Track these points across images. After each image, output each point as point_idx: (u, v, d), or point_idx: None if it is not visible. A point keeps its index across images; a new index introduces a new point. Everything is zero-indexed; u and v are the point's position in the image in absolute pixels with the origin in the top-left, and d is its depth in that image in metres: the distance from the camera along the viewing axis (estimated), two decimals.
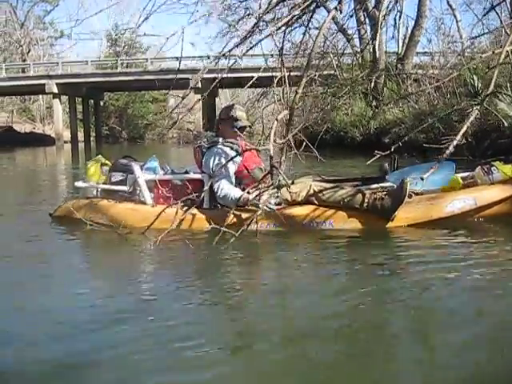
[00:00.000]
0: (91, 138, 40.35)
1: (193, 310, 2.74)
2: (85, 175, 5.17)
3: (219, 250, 3.70)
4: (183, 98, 5.36)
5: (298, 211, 4.38)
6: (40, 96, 44.47)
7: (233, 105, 4.85)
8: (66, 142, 34.72)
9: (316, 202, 4.41)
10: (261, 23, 4.77)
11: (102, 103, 45.45)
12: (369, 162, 4.22)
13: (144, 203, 4.69)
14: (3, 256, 3.82)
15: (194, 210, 4.38)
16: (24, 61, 42.13)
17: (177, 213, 4.25)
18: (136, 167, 4.72)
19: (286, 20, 4.39)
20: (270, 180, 4.18)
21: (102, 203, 4.79)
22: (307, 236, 4.22)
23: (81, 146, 33.88)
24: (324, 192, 4.40)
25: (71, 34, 47.75)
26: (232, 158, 4.38)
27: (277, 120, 4.08)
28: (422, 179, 4.04)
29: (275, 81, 4.52)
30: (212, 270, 3.43)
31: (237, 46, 4.67)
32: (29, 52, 46.05)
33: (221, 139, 4.58)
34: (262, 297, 2.95)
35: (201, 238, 4.15)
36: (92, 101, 42.70)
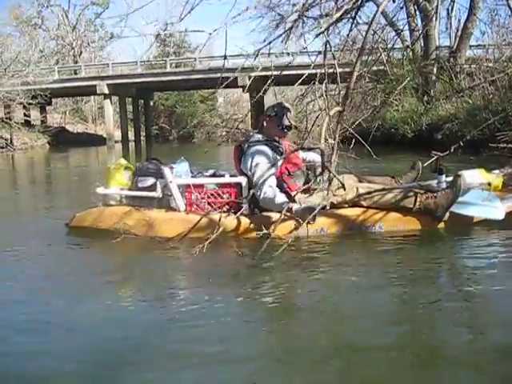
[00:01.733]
0: (141, 138, 40.87)
1: (237, 322, 2.64)
2: (107, 180, 4.73)
3: (266, 258, 3.49)
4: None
5: (346, 214, 4.18)
6: (92, 97, 45.29)
7: (280, 102, 4.60)
8: (116, 142, 35.24)
9: (364, 204, 4.21)
10: (304, 18, 4.63)
11: (151, 103, 45.97)
12: (426, 164, 4.06)
13: (176, 210, 4.35)
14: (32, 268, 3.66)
15: (235, 217, 4.08)
16: (76, 63, 42.97)
17: (219, 219, 3.89)
18: (167, 171, 4.37)
19: (338, 15, 4.25)
20: (322, 181, 4.04)
21: (128, 211, 4.42)
22: (357, 240, 4.02)
23: (131, 145, 34.37)
24: (372, 194, 4.20)
25: (121, 34, 48.18)
26: (276, 160, 4.18)
27: (329, 116, 3.94)
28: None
29: (317, 77, 4.37)
30: (260, 279, 3.26)
31: (282, 41, 4.54)
32: (80, 54, 46.94)
33: (261, 137, 4.37)
34: (311, 307, 2.80)
35: (244, 247, 3.90)
36: (142, 101, 43.25)
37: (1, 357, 2.32)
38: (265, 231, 3.71)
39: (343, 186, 4.00)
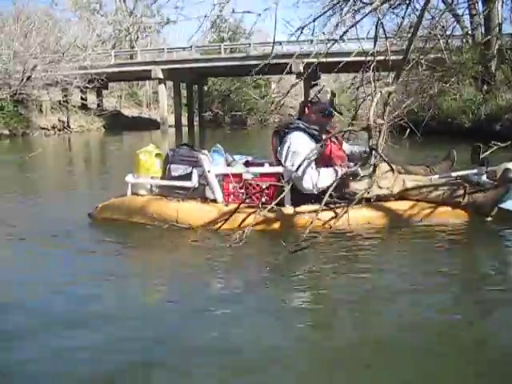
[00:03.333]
0: (195, 123, 41.08)
1: (275, 319, 2.55)
2: (135, 168, 4.43)
3: (306, 252, 3.34)
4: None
5: (391, 207, 4.00)
6: (147, 82, 45.70)
7: (323, 88, 4.34)
8: (170, 127, 35.50)
9: (411, 198, 4.03)
10: (358, 3, 4.47)
11: (205, 88, 46.11)
12: (485, 154, 3.89)
13: (211, 201, 4.11)
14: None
15: (276, 209, 3.88)
16: (132, 48, 43.42)
17: (258, 211, 3.74)
18: (205, 159, 4.09)
19: None
20: (369, 164, 3.90)
21: (160, 202, 4.17)
22: (402, 235, 3.85)
23: (184, 130, 34.59)
24: (420, 187, 4.01)
25: (177, 20, 48.39)
26: (316, 148, 3.95)
27: (381, 92, 3.80)
28: None
29: (371, 62, 4.23)
30: (301, 273, 3.17)
31: (336, 25, 4.39)
32: (137, 39, 47.38)
33: (301, 123, 4.16)
34: (354, 304, 2.68)
35: (284, 238, 3.62)
36: (196, 86, 43.41)
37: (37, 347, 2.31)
38: (304, 224, 3.61)
39: (392, 169, 3.86)
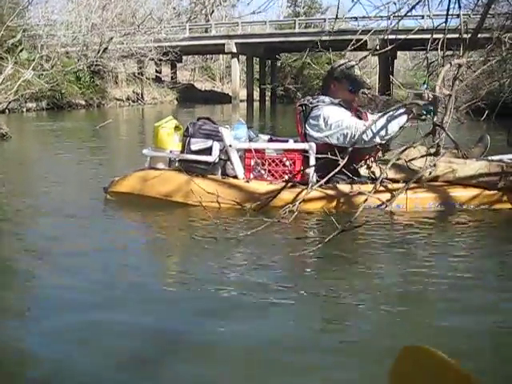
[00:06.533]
0: (266, 98, 40.95)
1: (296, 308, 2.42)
2: (154, 141, 4.31)
3: (339, 238, 3.13)
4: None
5: (427, 190, 3.84)
6: (220, 56, 45.82)
7: (351, 62, 4.15)
8: (242, 101, 35.55)
9: (448, 180, 3.85)
10: None
11: (278, 64, 45.82)
12: None
13: (234, 177, 3.95)
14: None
15: (300, 187, 3.73)
16: (207, 21, 43.53)
17: (285, 189, 3.63)
18: (226, 133, 3.92)
19: None
20: (433, 141, 3.73)
21: (177, 176, 4.02)
22: (438, 218, 3.71)
23: (256, 105, 34.54)
24: (456, 168, 3.81)
25: None
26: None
27: (450, 64, 3.60)
28: None
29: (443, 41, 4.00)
30: (329, 259, 3.01)
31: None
32: (212, 13, 47.44)
33: (328, 98, 3.98)
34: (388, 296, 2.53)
35: (311, 221, 3.59)
36: (269, 61, 43.19)
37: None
38: (332, 205, 3.56)
39: (457, 147, 3.70)
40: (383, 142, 3.89)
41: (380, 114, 3.82)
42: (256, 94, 39.35)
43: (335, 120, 3.85)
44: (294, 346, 2.03)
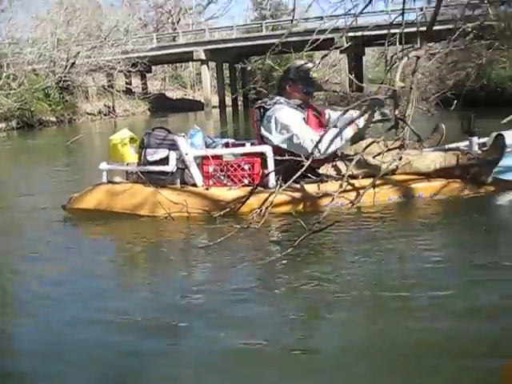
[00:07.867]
0: (239, 103, 40.98)
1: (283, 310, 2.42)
2: (109, 155, 4.27)
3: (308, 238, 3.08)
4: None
5: (389, 182, 3.85)
6: (190, 63, 45.75)
7: (302, 63, 4.21)
8: (214, 107, 35.50)
9: (405, 172, 3.88)
10: None
11: (248, 67, 45.89)
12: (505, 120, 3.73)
13: (193, 185, 3.90)
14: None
15: (266, 191, 3.65)
16: (174, 30, 43.44)
17: (250, 194, 3.56)
18: (182, 141, 3.89)
19: None
20: (396, 135, 3.73)
21: (136, 188, 3.95)
22: (402, 211, 3.77)
23: (228, 110, 34.53)
24: (412, 160, 3.82)
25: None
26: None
27: (408, 56, 3.61)
28: None
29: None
30: (301, 261, 2.95)
31: None
32: (179, 21, 47.37)
33: (282, 99, 3.99)
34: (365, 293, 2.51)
35: (278, 225, 3.58)
36: (239, 66, 43.25)
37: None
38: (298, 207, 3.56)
39: (422, 140, 3.71)
40: (337, 149, 3.92)
41: (332, 122, 3.88)
42: (228, 100, 39.36)
43: (285, 124, 3.86)
44: (267, 352, 2.01)
